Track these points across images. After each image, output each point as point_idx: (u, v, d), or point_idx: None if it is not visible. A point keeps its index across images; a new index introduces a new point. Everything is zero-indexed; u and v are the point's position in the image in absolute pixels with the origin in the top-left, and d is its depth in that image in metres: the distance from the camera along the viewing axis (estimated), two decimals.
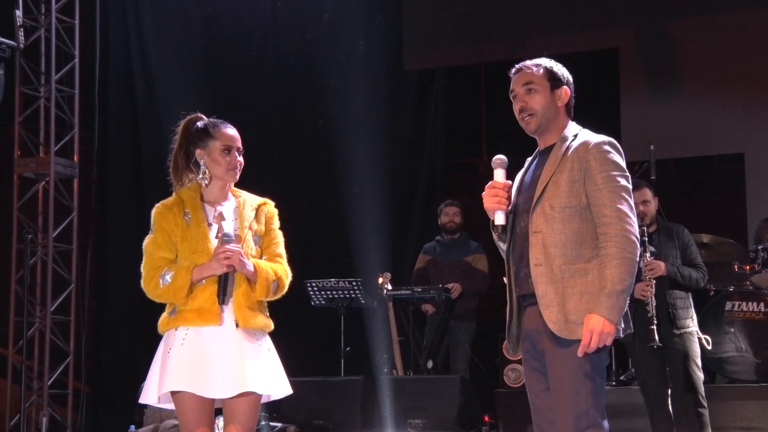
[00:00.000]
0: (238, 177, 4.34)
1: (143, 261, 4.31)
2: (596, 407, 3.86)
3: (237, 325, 4.19)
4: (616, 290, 3.84)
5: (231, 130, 4.33)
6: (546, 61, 4.16)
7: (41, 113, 10.14)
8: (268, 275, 4.24)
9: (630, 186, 3.97)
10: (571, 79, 4.18)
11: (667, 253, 6.83)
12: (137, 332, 11.18)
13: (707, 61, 10.45)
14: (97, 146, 10.60)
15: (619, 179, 3.94)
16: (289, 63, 11.47)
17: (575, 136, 4.07)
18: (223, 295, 4.17)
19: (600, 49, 11.11)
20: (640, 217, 6.75)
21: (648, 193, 6.84)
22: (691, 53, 10.55)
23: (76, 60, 10.28)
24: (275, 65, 11.50)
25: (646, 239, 6.75)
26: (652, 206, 6.85)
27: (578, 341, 3.84)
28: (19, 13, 9.07)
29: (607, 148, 3.98)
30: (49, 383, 9.83)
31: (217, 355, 4.14)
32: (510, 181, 4.17)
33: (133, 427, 8.16)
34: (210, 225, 4.27)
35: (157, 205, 4.32)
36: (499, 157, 4.15)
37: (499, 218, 4.10)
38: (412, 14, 11.28)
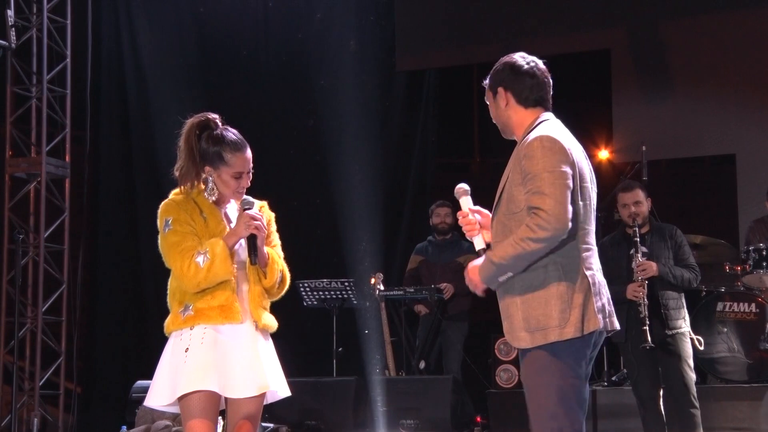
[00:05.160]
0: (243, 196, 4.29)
1: (169, 257, 4.15)
2: (563, 406, 3.79)
3: (256, 326, 4.18)
4: (494, 260, 3.85)
5: (244, 154, 4.23)
6: (493, 69, 4.09)
7: (33, 113, 10.12)
8: (276, 262, 4.25)
9: (559, 181, 3.74)
10: (514, 70, 4.00)
11: (660, 253, 6.83)
12: (129, 333, 11.18)
13: (699, 62, 10.46)
14: (89, 146, 10.60)
15: (544, 178, 3.74)
16: (280, 63, 11.47)
17: (529, 134, 3.92)
18: (255, 257, 4.14)
19: (592, 51, 11.13)
20: (632, 217, 6.77)
21: (640, 194, 6.84)
22: (682, 54, 10.57)
23: (68, 60, 10.26)
24: (266, 65, 11.50)
25: (638, 240, 6.75)
26: (644, 207, 6.85)
27: (530, 349, 3.83)
28: (10, 12, 9.07)
29: (536, 145, 3.81)
30: (40, 384, 9.81)
31: (237, 353, 4.11)
32: (474, 206, 4.12)
33: (124, 427, 8.15)
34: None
35: (167, 201, 4.23)
36: (459, 187, 4.11)
37: (478, 243, 4.12)
38: (403, 14, 11.28)
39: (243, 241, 4.21)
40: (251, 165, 4.27)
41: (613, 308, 3.96)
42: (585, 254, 3.88)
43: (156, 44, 11.44)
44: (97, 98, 11.18)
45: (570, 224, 3.74)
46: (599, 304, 3.86)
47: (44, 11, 10.05)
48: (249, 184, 4.28)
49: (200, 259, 4.07)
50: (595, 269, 3.90)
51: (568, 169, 3.79)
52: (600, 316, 3.84)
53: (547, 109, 4.04)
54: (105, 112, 11.45)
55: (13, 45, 8.99)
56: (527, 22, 10.87)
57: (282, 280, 4.29)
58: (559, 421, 3.79)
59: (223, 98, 10.86)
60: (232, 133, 4.27)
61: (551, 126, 3.94)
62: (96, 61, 10.75)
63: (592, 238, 3.92)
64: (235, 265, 4.18)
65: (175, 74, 11.29)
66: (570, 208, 3.75)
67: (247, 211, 4.16)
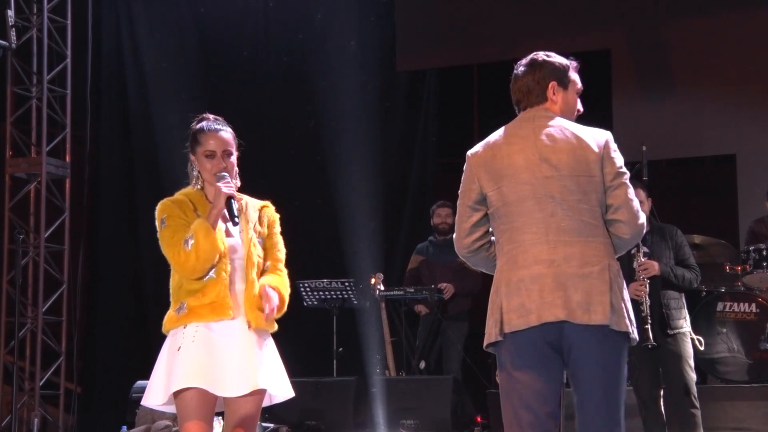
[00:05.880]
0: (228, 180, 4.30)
1: (167, 250, 4.20)
2: (506, 406, 3.91)
3: (249, 326, 4.18)
4: None
5: (217, 134, 4.27)
6: None
7: (33, 113, 10.14)
8: (285, 302, 4.29)
9: (459, 200, 4.01)
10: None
11: (661, 253, 6.83)
12: (129, 332, 11.17)
13: (699, 62, 10.46)
14: (90, 146, 10.61)
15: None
16: (280, 63, 11.47)
17: None
18: (233, 216, 4.19)
19: (592, 51, 11.11)
20: None
21: (642, 194, 6.83)
22: (683, 54, 10.56)
23: (68, 60, 10.27)
24: (267, 65, 11.50)
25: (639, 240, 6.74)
26: (645, 207, 6.84)
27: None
28: (11, 12, 9.07)
29: None
30: (40, 384, 9.82)
31: (229, 352, 4.11)
32: None
33: (125, 427, 8.16)
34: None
35: (163, 201, 4.28)
36: None
37: None
38: (404, 15, 11.28)
39: (238, 237, 4.23)
40: (229, 148, 4.29)
41: (555, 298, 3.78)
42: (512, 253, 3.87)
43: (156, 44, 11.44)
44: (97, 98, 11.19)
45: (465, 239, 3.99)
46: (514, 303, 3.84)
47: (44, 11, 10.06)
48: (225, 166, 4.26)
49: (188, 244, 4.11)
50: (524, 266, 3.82)
51: (466, 184, 4.01)
52: (512, 317, 3.84)
53: (525, 109, 4.13)
54: (105, 112, 11.45)
55: (14, 45, 9.00)
56: (527, 22, 10.85)
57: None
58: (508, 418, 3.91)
59: (223, 98, 10.87)
60: (212, 120, 4.34)
61: (491, 135, 4.12)
62: (96, 61, 10.76)
63: (524, 235, 3.84)
64: (231, 261, 4.20)
65: (175, 74, 11.28)
66: (464, 226, 3.99)
67: (220, 181, 4.21)
